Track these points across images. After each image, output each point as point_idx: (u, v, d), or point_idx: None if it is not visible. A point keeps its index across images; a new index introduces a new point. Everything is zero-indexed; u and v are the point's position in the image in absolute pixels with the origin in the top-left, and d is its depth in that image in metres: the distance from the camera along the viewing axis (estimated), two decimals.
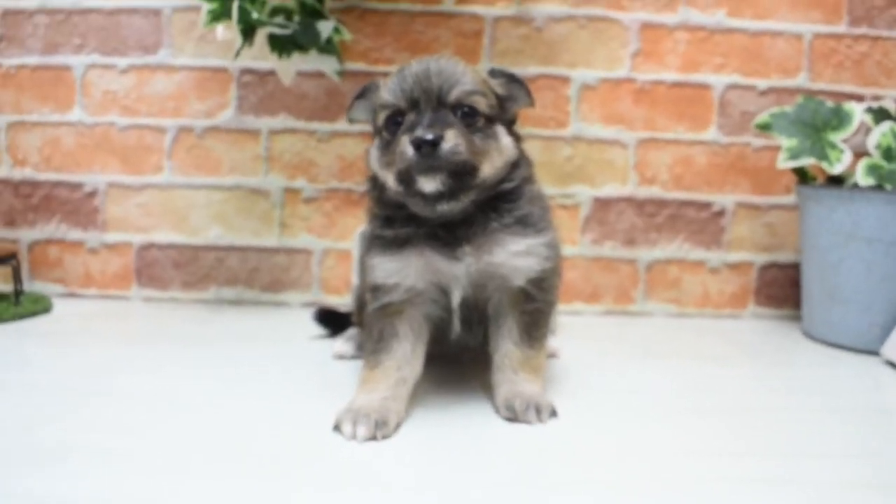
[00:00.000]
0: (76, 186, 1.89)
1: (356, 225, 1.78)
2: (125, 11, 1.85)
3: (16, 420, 1.04)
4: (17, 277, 1.72)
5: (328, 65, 1.70)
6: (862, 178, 1.56)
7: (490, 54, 1.85)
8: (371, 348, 1.11)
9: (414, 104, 1.06)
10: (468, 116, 1.07)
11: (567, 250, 1.82)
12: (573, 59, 1.85)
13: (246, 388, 1.22)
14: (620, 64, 1.86)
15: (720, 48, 1.87)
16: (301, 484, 0.86)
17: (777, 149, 1.73)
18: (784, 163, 1.64)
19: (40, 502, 0.80)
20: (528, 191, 1.15)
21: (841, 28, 1.88)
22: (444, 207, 1.06)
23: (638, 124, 1.87)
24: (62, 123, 1.87)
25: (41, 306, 1.73)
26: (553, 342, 1.43)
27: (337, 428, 1.02)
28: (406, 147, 1.02)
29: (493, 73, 1.16)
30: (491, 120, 1.10)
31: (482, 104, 1.08)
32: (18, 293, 1.72)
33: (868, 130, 1.63)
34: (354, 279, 1.57)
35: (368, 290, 1.13)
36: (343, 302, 1.79)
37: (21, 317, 1.66)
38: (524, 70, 1.82)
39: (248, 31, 1.57)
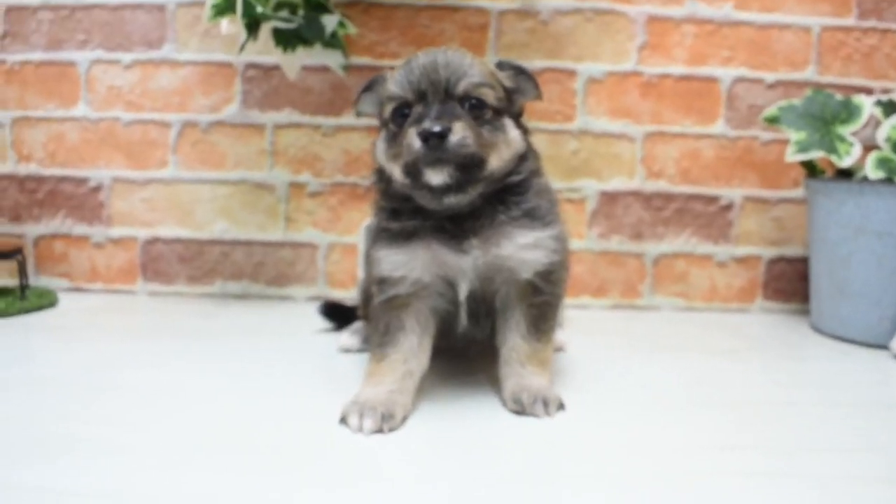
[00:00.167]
0: (81, 181, 1.88)
1: (361, 219, 1.77)
2: (129, 7, 1.84)
3: (21, 414, 1.04)
4: (22, 272, 1.72)
5: (333, 59, 1.70)
6: (871, 171, 1.55)
7: (496, 48, 1.84)
8: (377, 341, 1.11)
9: (421, 96, 1.06)
10: (476, 109, 1.06)
11: (574, 244, 1.81)
12: (579, 53, 1.84)
13: (251, 382, 1.22)
14: (627, 57, 1.85)
15: (728, 41, 1.86)
16: (307, 477, 0.85)
17: (785, 142, 1.72)
18: (792, 156, 1.63)
19: (47, 495, 0.79)
20: (535, 183, 1.14)
21: (850, 21, 1.87)
22: (452, 200, 1.06)
23: (645, 118, 1.86)
24: (67, 119, 1.87)
25: (47, 301, 1.72)
26: (560, 336, 1.43)
27: (343, 421, 1.01)
28: (413, 139, 1.02)
29: (501, 65, 1.15)
30: (499, 112, 1.09)
31: (490, 96, 1.07)
32: (24, 288, 1.71)
33: (877, 123, 1.62)
34: (360, 273, 1.57)
35: (375, 283, 1.12)
36: (348, 296, 1.78)
37: (27, 311, 1.66)
38: (530, 63, 1.81)
39: (253, 25, 1.57)
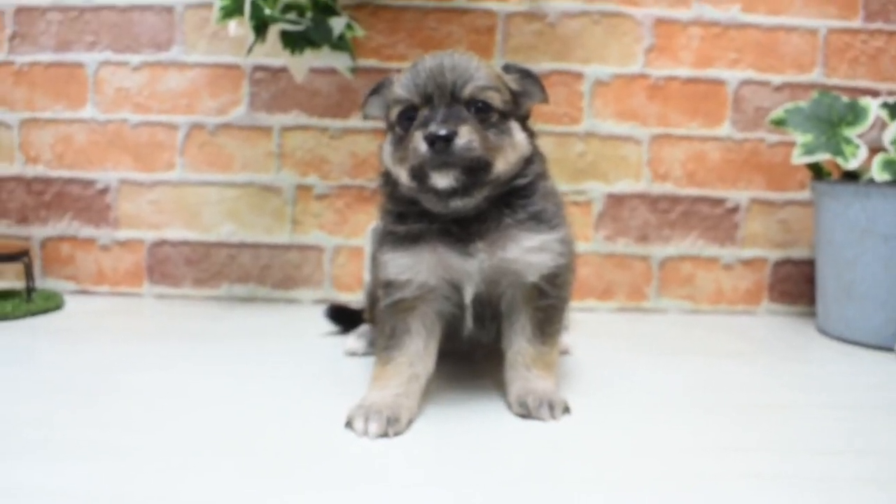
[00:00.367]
0: (88, 183, 1.89)
1: (368, 222, 1.77)
2: (138, 8, 1.85)
3: (27, 416, 1.04)
4: (29, 274, 1.72)
5: (341, 61, 1.70)
6: (878, 173, 1.54)
7: (503, 50, 1.84)
8: (383, 345, 1.11)
9: (427, 99, 1.06)
10: (482, 112, 1.06)
11: (580, 247, 1.80)
12: (586, 55, 1.84)
13: (257, 385, 1.22)
14: (634, 60, 1.85)
15: (734, 43, 1.86)
16: (312, 480, 0.86)
17: (791, 144, 1.72)
18: (799, 158, 1.63)
19: (52, 497, 0.79)
20: (541, 187, 1.14)
21: (856, 23, 1.87)
22: (458, 203, 1.06)
23: (651, 120, 1.86)
24: (75, 121, 1.88)
25: (53, 303, 1.73)
26: (566, 339, 1.43)
27: (349, 424, 1.01)
28: (419, 143, 1.02)
29: (507, 68, 1.15)
30: (505, 115, 1.09)
31: (496, 100, 1.07)
32: (30, 290, 1.72)
33: (884, 126, 1.62)
34: (366, 276, 1.57)
35: (381, 286, 1.12)
36: (355, 299, 1.79)
37: (33, 314, 1.67)
38: (537, 66, 1.81)
39: (261, 27, 1.57)
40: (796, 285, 1.92)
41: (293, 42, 1.63)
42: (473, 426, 1.05)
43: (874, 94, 1.85)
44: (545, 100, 1.17)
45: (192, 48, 1.85)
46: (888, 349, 1.54)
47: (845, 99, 1.66)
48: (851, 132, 1.61)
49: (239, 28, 1.58)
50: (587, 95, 1.85)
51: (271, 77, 1.85)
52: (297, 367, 1.33)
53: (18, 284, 1.82)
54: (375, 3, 1.83)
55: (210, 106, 1.86)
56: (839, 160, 1.59)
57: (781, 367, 1.44)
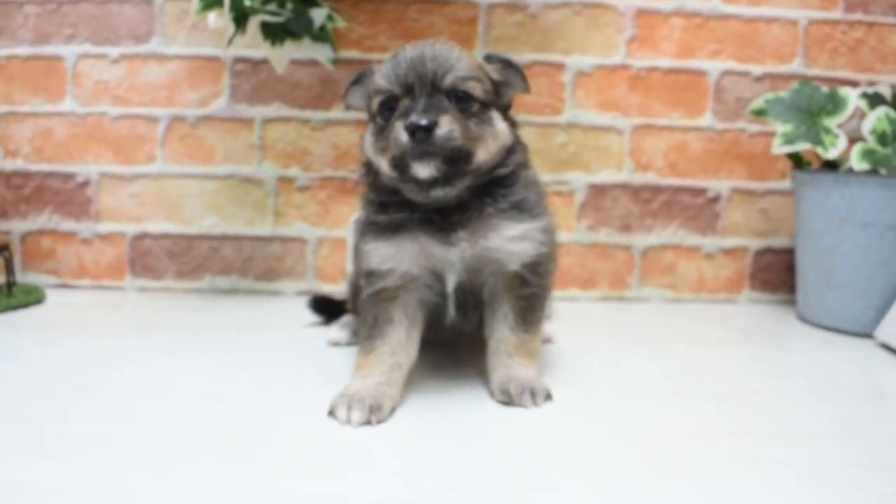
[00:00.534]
0: (68, 177, 1.88)
1: (350, 213, 1.77)
2: (116, 0, 1.83)
3: (8, 411, 1.04)
4: (9, 269, 1.71)
5: (322, 53, 1.70)
6: (857, 162, 1.56)
7: (485, 41, 1.84)
8: (366, 334, 1.11)
9: (408, 90, 1.06)
10: (463, 102, 1.06)
11: (562, 237, 1.82)
12: (568, 46, 1.85)
13: (241, 377, 1.22)
14: (616, 50, 1.86)
15: (715, 34, 1.87)
16: (296, 469, 0.86)
17: (772, 134, 1.73)
18: (779, 148, 1.64)
19: (32, 491, 0.79)
20: (523, 176, 1.14)
21: (836, 14, 1.88)
22: (439, 193, 1.06)
23: (633, 111, 1.87)
24: (54, 114, 1.86)
25: (34, 297, 1.72)
26: (548, 327, 1.43)
27: (332, 413, 1.02)
28: (400, 133, 1.02)
29: (489, 58, 1.15)
30: (486, 105, 1.09)
31: (477, 89, 1.07)
32: (11, 284, 1.71)
33: (863, 116, 1.64)
34: (349, 267, 1.57)
35: (363, 276, 1.13)
36: (338, 290, 1.79)
37: (13, 308, 1.65)
38: (519, 57, 1.81)
39: (241, 18, 1.57)
40: (777, 274, 1.93)
41: (274, 33, 1.62)
42: (456, 414, 1.05)
43: (853, 84, 1.87)
44: (527, 89, 1.17)
45: (172, 40, 1.84)
46: (867, 336, 1.56)
47: (825, 89, 1.67)
48: (831, 122, 1.63)
49: (219, 19, 1.57)
50: (569, 86, 1.85)
51: (252, 69, 1.84)
52: (280, 358, 1.33)
53: None
54: None
55: (190, 98, 1.85)
56: (819, 150, 1.60)
57: (763, 355, 1.45)
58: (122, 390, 1.13)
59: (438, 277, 1.11)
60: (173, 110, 1.85)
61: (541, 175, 1.23)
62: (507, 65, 1.15)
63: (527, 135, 1.23)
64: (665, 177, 1.88)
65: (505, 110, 1.16)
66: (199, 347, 1.40)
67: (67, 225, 1.89)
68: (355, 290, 1.27)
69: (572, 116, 1.86)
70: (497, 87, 1.13)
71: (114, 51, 1.84)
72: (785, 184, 1.90)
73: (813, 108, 1.66)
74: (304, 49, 1.67)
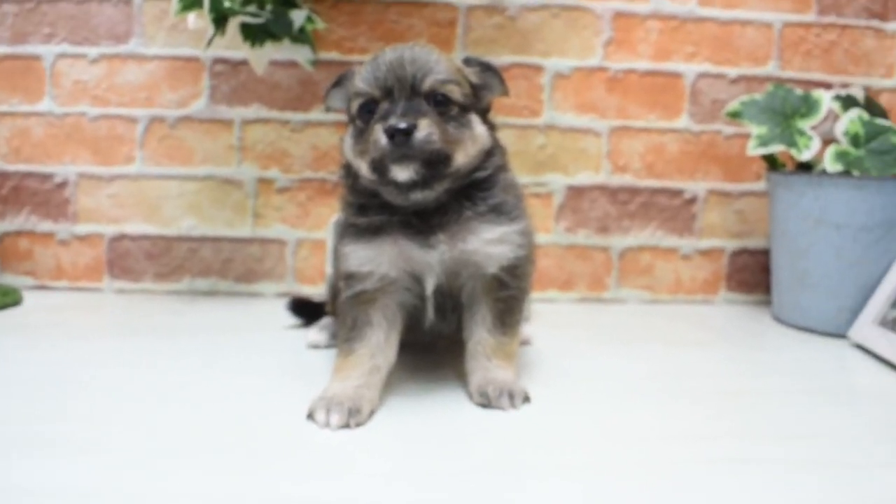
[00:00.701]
0: (46, 177, 1.86)
1: (330, 215, 1.77)
2: (95, 0, 1.82)
3: None
4: None
5: (301, 54, 1.70)
6: (830, 164, 1.58)
7: (464, 43, 1.85)
8: (344, 336, 1.11)
9: (387, 92, 1.06)
10: (442, 105, 1.07)
11: (541, 238, 1.83)
12: (546, 48, 1.86)
13: (219, 379, 1.22)
14: (593, 53, 1.87)
15: (691, 37, 1.88)
16: (274, 472, 0.86)
17: (747, 136, 1.75)
18: (754, 150, 1.66)
19: (9, 492, 0.79)
20: (501, 179, 1.15)
21: (810, 17, 1.90)
22: (418, 196, 1.07)
23: (610, 113, 1.88)
24: (32, 114, 1.85)
25: (11, 299, 1.70)
26: (527, 329, 1.44)
27: (310, 416, 1.02)
28: (379, 136, 1.02)
29: (468, 61, 1.16)
30: (465, 108, 1.10)
31: (456, 93, 1.08)
32: None
33: (836, 118, 1.66)
34: (328, 269, 1.57)
35: (342, 279, 1.13)
36: (317, 292, 1.79)
37: None
38: (498, 59, 1.82)
39: (220, 19, 1.56)
40: (752, 275, 1.95)
41: (253, 35, 1.62)
42: (435, 416, 1.06)
43: (827, 86, 1.89)
44: (505, 92, 1.18)
45: (151, 41, 1.83)
46: (841, 336, 1.58)
47: (799, 91, 1.69)
48: (805, 124, 1.65)
49: (198, 20, 1.57)
50: (547, 88, 1.87)
51: (231, 70, 1.84)
52: (259, 361, 1.33)
53: None
54: None
55: (170, 99, 1.85)
56: (793, 151, 1.62)
57: (739, 355, 1.47)
58: (101, 392, 1.13)
59: (417, 280, 1.12)
60: (152, 111, 1.85)
61: (519, 177, 1.24)
62: (486, 68, 1.16)
63: (505, 136, 1.24)
64: (642, 178, 1.90)
65: (484, 113, 1.16)
66: (178, 349, 1.39)
67: (45, 226, 1.88)
68: (335, 292, 1.27)
69: (550, 118, 1.87)
70: (476, 91, 1.13)
71: (92, 51, 1.83)
72: (760, 185, 1.92)
73: (787, 110, 1.68)
74: (283, 50, 1.67)
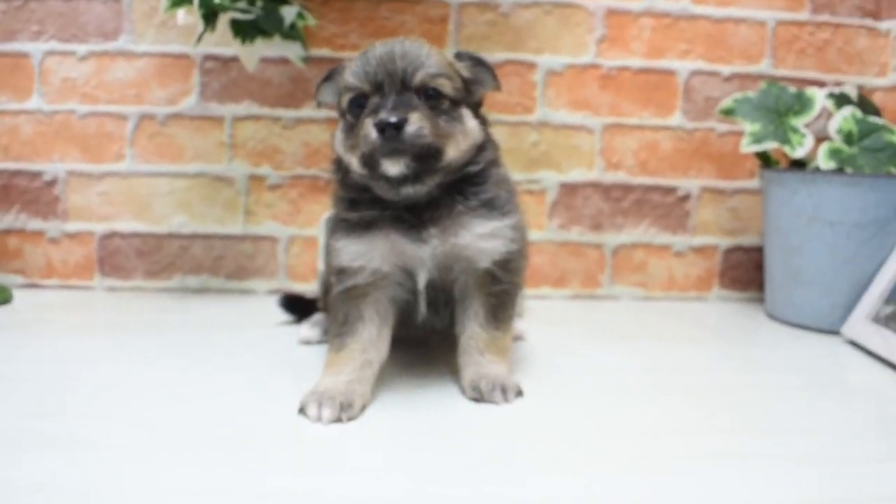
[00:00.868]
0: (35, 175, 1.85)
1: (322, 211, 1.76)
2: None
3: None
4: None
5: (292, 51, 1.69)
6: (823, 161, 1.58)
7: (456, 40, 1.84)
8: (336, 331, 1.10)
9: (378, 87, 1.06)
10: (433, 99, 1.06)
11: (534, 235, 1.82)
12: (539, 45, 1.85)
13: (212, 376, 1.21)
14: (586, 50, 1.87)
15: (685, 34, 1.88)
16: (266, 466, 0.85)
17: (741, 134, 1.75)
18: (747, 147, 1.66)
19: (2, 490, 0.78)
20: (494, 174, 1.15)
21: (804, 15, 1.90)
22: (409, 190, 1.06)
23: (604, 110, 1.88)
24: (20, 112, 1.83)
25: (1, 297, 1.69)
26: (520, 325, 1.44)
27: (302, 411, 1.01)
28: (370, 130, 1.02)
29: (459, 55, 1.15)
30: (456, 103, 1.09)
31: (447, 87, 1.07)
32: None
33: (829, 115, 1.66)
34: (320, 265, 1.56)
35: (334, 274, 1.12)
36: (309, 289, 1.78)
37: None
38: (490, 56, 1.81)
39: (210, 16, 1.55)
40: (746, 272, 1.95)
41: (244, 31, 1.61)
42: (427, 411, 1.05)
43: (820, 84, 1.89)
44: (497, 87, 1.17)
45: (141, 37, 1.82)
46: (834, 332, 1.58)
47: (792, 89, 1.69)
48: (798, 122, 1.65)
49: (188, 17, 1.56)
50: (540, 85, 1.86)
51: (222, 66, 1.83)
52: (251, 357, 1.32)
53: None
54: None
55: (160, 96, 1.83)
56: (786, 149, 1.62)
57: (732, 352, 1.47)
58: (92, 390, 1.12)
59: (409, 275, 1.11)
60: (142, 108, 1.83)
61: (512, 174, 1.23)
62: (478, 62, 1.15)
63: (498, 134, 1.23)
64: (636, 176, 1.90)
65: (475, 108, 1.16)
66: (169, 347, 1.38)
67: (35, 224, 1.86)
68: (327, 287, 1.26)
69: (543, 115, 1.86)
70: (467, 85, 1.13)
71: (81, 48, 1.82)
72: (753, 183, 1.92)
73: (780, 107, 1.68)
74: (274, 47, 1.66)
